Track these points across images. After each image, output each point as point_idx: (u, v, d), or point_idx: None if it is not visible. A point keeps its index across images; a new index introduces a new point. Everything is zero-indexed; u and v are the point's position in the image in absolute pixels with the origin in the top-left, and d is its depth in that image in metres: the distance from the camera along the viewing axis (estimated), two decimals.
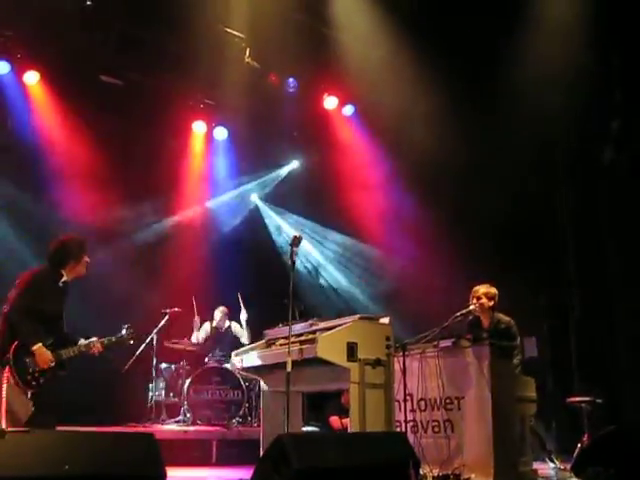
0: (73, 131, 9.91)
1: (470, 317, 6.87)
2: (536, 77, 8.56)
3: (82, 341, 5.59)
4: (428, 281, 9.70)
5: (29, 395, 5.20)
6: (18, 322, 5.23)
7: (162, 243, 10.78)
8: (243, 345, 8.66)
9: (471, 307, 6.66)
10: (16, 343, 5.23)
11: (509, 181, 9.08)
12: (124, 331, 5.84)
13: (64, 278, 5.59)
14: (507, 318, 6.82)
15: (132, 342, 5.94)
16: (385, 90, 9.69)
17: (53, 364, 5.33)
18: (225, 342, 9.88)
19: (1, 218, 9.32)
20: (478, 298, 6.75)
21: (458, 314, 6.49)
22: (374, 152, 10.72)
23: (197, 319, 9.91)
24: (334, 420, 8.65)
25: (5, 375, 5.13)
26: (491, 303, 6.78)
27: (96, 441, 3.53)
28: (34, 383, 5.25)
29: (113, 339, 5.76)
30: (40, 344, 5.24)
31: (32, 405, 5.23)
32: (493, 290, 6.84)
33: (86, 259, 5.74)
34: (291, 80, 10.30)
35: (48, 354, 5.26)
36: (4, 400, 5.08)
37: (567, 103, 8.57)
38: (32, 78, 9.55)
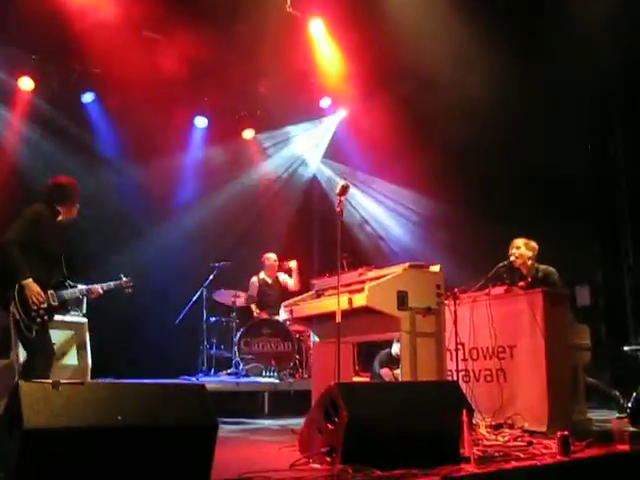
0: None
1: (513, 268, 6.90)
2: (590, 25, 8.21)
3: (82, 286, 5.84)
4: (477, 231, 9.53)
5: (33, 332, 5.30)
6: (10, 254, 5.29)
7: (208, 196, 10.82)
8: (291, 295, 8.71)
9: (512, 258, 6.73)
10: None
11: (562, 131, 8.83)
12: (123, 279, 6.13)
13: (60, 217, 5.68)
14: (544, 266, 6.85)
15: (130, 291, 6.17)
16: (436, 42, 9.37)
17: (54, 303, 5.48)
18: (275, 293, 9.92)
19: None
20: (517, 247, 6.83)
21: (501, 264, 6.62)
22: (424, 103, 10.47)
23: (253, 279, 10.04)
24: (385, 372, 8.65)
25: (11, 310, 5.25)
26: (529, 253, 6.84)
27: (148, 393, 3.54)
28: (39, 320, 5.34)
29: (112, 285, 6.04)
30: (30, 279, 5.29)
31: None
32: (532, 242, 6.92)
33: (77, 205, 5.82)
34: None
35: (36, 287, 5.32)
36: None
37: (623, 49, 8.25)
38: None
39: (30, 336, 5.29)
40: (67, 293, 5.66)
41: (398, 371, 8.23)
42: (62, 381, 3.30)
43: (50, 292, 5.46)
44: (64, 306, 5.72)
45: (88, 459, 3.18)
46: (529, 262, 6.81)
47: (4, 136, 9.40)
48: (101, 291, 5.95)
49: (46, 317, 5.41)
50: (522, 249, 6.82)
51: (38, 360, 5.32)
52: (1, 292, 5.34)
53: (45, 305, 5.37)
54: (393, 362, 8.62)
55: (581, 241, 8.99)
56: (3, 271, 5.33)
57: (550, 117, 8.97)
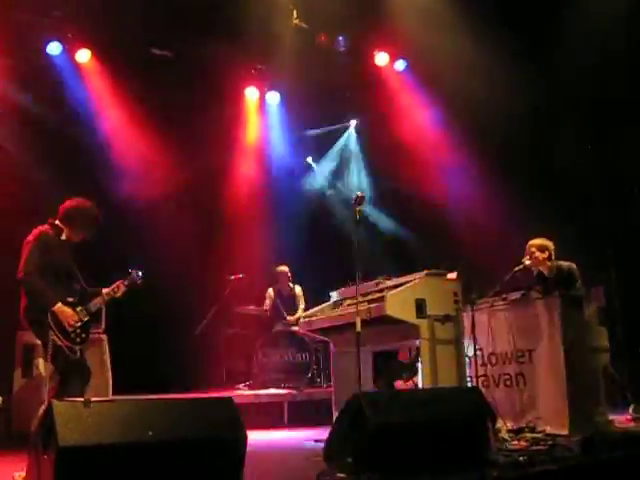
0: (126, 106, 9.98)
1: (535, 271, 6.91)
2: (598, 18, 8.26)
3: (105, 289, 5.80)
4: (488, 234, 9.55)
5: (77, 352, 5.38)
6: (33, 287, 5.34)
7: (222, 209, 10.80)
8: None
9: (526, 262, 6.73)
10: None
11: (571, 129, 8.87)
12: (132, 272, 6.02)
13: (63, 236, 5.70)
14: (567, 263, 6.82)
15: (140, 282, 6.03)
16: (436, 41, 9.43)
17: (86, 318, 5.53)
18: (290, 305, 9.96)
19: None
20: (532, 253, 6.80)
21: (516, 268, 6.62)
22: (428, 105, 10.53)
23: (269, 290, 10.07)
24: (397, 384, 8.63)
25: (51, 338, 5.29)
26: (545, 254, 6.82)
27: (177, 408, 3.60)
28: (79, 339, 5.42)
29: (127, 281, 5.92)
30: (59, 304, 5.37)
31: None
32: (545, 242, 6.89)
33: (85, 235, 5.79)
34: (341, 39, 10.19)
35: (68, 310, 5.40)
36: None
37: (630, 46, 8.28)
38: (84, 56, 9.64)
39: (74, 357, 5.37)
40: (93, 305, 5.68)
41: (411, 382, 8.26)
42: (92, 399, 3.36)
43: (78, 308, 5.53)
44: (95, 318, 5.77)
45: (120, 474, 3.24)
46: (548, 263, 6.82)
47: None
48: (124, 288, 5.86)
49: (84, 334, 5.49)
50: (536, 253, 6.82)
51: (75, 382, 5.36)
52: (38, 325, 5.40)
53: (79, 323, 5.46)
54: (404, 369, 8.61)
55: (596, 244, 8.99)
56: (33, 306, 5.39)
57: (566, 120, 9.01)
